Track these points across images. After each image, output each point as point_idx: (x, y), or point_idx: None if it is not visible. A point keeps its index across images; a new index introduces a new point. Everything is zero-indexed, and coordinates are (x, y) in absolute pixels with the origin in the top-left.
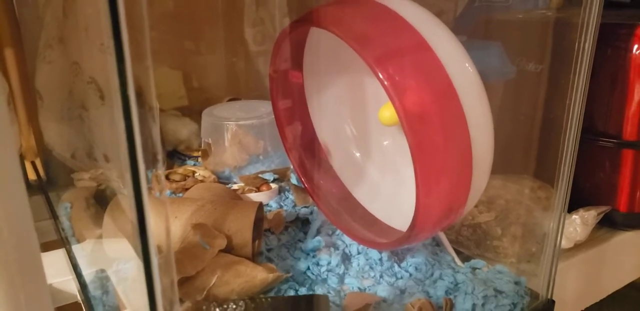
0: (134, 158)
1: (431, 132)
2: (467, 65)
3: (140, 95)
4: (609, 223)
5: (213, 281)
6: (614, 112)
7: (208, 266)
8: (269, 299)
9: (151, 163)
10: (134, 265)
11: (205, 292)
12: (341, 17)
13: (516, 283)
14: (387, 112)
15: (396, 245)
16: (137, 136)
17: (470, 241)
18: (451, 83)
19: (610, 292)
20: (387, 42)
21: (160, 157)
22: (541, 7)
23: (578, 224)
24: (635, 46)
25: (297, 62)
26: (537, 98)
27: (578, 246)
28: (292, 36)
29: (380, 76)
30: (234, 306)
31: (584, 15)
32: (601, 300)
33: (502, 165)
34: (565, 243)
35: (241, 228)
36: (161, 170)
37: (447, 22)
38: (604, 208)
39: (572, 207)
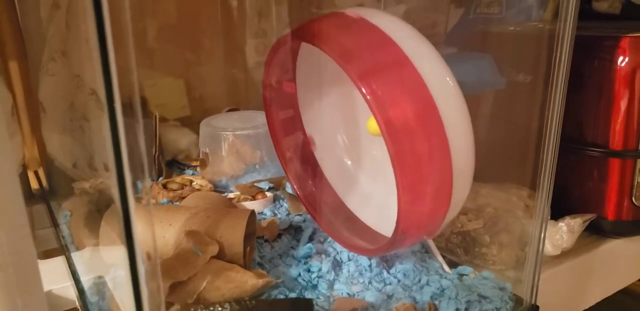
0: (120, 168)
1: (411, 143)
2: (447, 79)
3: (130, 107)
4: (597, 231)
5: (203, 285)
6: (601, 123)
7: (200, 272)
8: (253, 301)
9: (140, 173)
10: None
11: (195, 296)
12: (328, 33)
13: (501, 289)
14: (374, 123)
15: (383, 250)
16: (123, 147)
17: (460, 249)
18: (431, 97)
19: (599, 299)
20: (370, 57)
21: (145, 167)
22: (534, 19)
23: (564, 231)
24: (620, 58)
25: (290, 73)
26: (525, 108)
27: (566, 254)
28: (284, 49)
29: (364, 91)
30: (220, 309)
31: (560, 26)
32: (594, 306)
33: (492, 174)
34: (551, 250)
35: (233, 235)
36: (148, 181)
37: (440, 34)
38: (589, 216)
39: (562, 215)
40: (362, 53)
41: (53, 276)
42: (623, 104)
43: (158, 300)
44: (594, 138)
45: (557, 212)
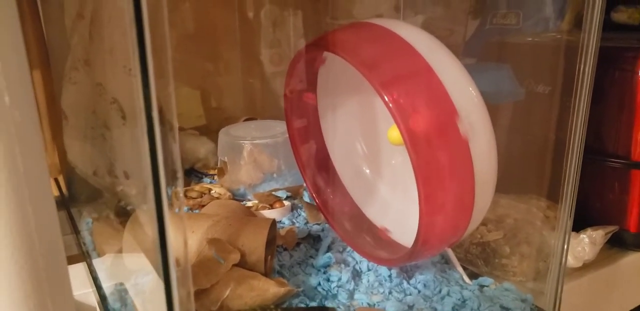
0: (157, 175)
1: (434, 152)
2: (470, 88)
3: (162, 115)
4: (620, 244)
5: (226, 293)
6: (623, 134)
7: (222, 280)
8: (279, 309)
9: (171, 180)
10: (152, 278)
11: (219, 304)
12: (350, 43)
13: (523, 300)
14: (395, 132)
15: (403, 261)
16: (159, 155)
17: (479, 259)
18: (454, 106)
19: None
20: (392, 66)
21: (179, 174)
22: (551, 30)
23: (586, 243)
24: None
25: (311, 83)
26: (545, 119)
27: (587, 266)
28: (306, 59)
29: (386, 99)
30: None
31: (584, 38)
32: None
33: (511, 185)
34: (573, 263)
35: (255, 244)
36: (180, 188)
37: (457, 44)
38: (611, 228)
39: (583, 227)
40: (384, 62)
41: (74, 282)
42: None
43: (188, 306)
44: (616, 150)
45: (578, 224)
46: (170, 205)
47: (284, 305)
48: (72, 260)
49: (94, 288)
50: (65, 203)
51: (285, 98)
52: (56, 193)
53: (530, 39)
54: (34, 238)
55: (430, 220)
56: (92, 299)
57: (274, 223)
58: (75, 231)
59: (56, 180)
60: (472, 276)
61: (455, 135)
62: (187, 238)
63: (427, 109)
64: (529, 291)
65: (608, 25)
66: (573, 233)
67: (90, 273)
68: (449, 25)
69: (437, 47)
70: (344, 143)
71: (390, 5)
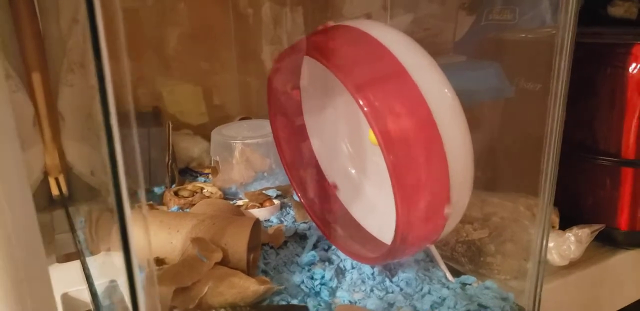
0: (117, 178)
1: (408, 153)
2: (445, 90)
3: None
4: (610, 242)
5: (204, 291)
6: (614, 131)
7: (204, 278)
8: (248, 307)
9: (133, 183)
10: (143, 276)
11: (197, 301)
12: (327, 46)
13: (503, 299)
14: None
15: (384, 259)
16: (119, 157)
17: (465, 258)
18: (428, 108)
19: None
20: (367, 70)
21: (141, 176)
22: (547, 26)
23: (572, 242)
24: (633, 65)
25: (295, 82)
26: (536, 116)
27: (576, 265)
28: (288, 60)
29: (361, 102)
30: None
31: (560, 33)
32: None
33: (501, 183)
34: (559, 261)
35: (237, 242)
36: (141, 189)
37: (447, 42)
38: (597, 227)
39: (574, 225)
40: (359, 65)
41: (70, 279)
42: (636, 113)
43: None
44: (607, 147)
45: (569, 222)
46: (139, 207)
47: (265, 303)
48: (72, 257)
49: (87, 285)
50: (64, 202)
51: (269, 97)
52: (57, 192)
53: (524, 35)
54: (11, 238)
55: (406, 217)
56: (86, 295)
57: (257, 222)
58: (72, 229)
59: (57, 180)
60: (458, 274)
61: (429, 136)
62: (172, 238)
63: (401, 112)
64: (512, 289)
65: (605, 20)
66: (559, 232)
67: (84, 270)
68: (440, 22)
69: (413, 48)
70: (330, 143)
71: (379, 5)
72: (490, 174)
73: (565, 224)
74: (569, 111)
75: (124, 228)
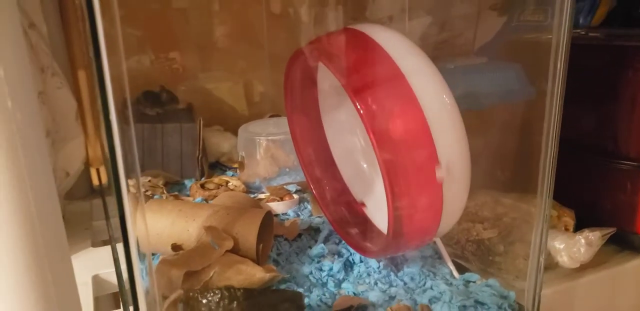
0: (116, 169)
1: (400, 154)
2: (443, 94)
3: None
4: (629, 246)
5: (211, 274)
6: (634, 135)
7: (214, 264)
8: (241, 289)
9: (131, 173)
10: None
11: (202, 284)
12: (331, 49)
13: (503, 297)
14: None
15: (379, 253)
16: (117, 148)
17: (475, 257)
18: (421, 111)
19: None
20: (367, 74)
21: (138, 168)
22: (581, 26)
23: (582, 244)
24: None
25: (312, 79)
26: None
27: (590, 268)
28: (302, 58)
29: (358, 106)
30: (212, 294)
31: (557, 34)
32: None
33: (516, 185)
34: (569, 263)
35: (247, 232)
36: (138, 179)
37: (468, 44)
38: (609, 230)
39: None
40: (359, 69)
41: (102, 262)
42: None
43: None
44: (627, 151)
45: (588, 225)
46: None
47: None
48: (107, 243)
49: (115, 269)
50: (102, 192)
51: (285, 95)
52: (97, 182)
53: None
54: (35, 227)
55: (398, 214)
56: (114, 278)
57: (269, 213)
58: (107, 217)
59: (97, 171)
60: (465, 272)
61: (420, 138)
62: (189, 226)
63: (394, 115)
64: (518, 289)
65: (635, 21)
66: (570, 234)
67: (113, 255)
68: (461, 23)
69: (414, 53)
70: (344, 138)
71: (399, 7)
72: (505, 175)
73: (581, 228)
74: (589, 115)
75: (124, 222)
